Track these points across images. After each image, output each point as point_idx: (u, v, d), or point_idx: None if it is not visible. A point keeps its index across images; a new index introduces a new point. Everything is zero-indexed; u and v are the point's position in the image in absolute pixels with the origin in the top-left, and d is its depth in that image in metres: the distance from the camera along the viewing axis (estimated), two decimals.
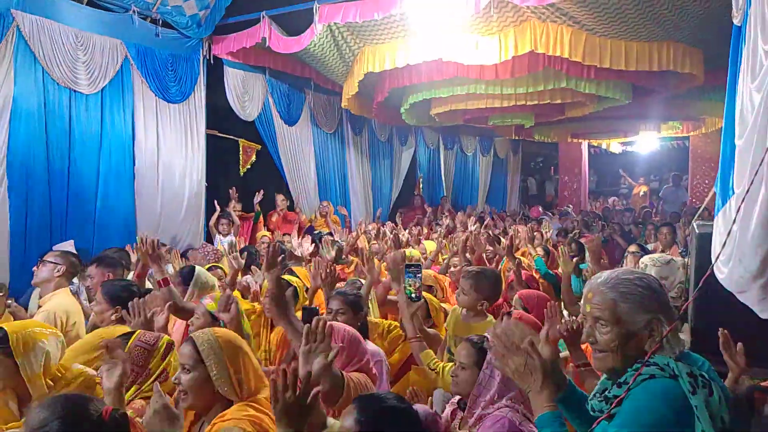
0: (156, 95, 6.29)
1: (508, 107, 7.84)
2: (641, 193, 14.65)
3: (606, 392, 1.49)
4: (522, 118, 9.18)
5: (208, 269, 4.14)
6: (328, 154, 9.25)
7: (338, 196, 9.36)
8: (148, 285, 3.73)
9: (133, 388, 2.18)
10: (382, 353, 2.87)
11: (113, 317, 2.86)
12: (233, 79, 7.27)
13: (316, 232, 7.60)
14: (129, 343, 2.24)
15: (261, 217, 7.72)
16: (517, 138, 13.70)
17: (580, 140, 14.18)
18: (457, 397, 2.36)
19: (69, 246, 5.07)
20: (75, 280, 4.10)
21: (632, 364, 1.44)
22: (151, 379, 2.21)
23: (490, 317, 3.22)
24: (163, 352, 2.26)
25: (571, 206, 13.66)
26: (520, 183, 16.56)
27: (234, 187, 7.38)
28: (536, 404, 1.49)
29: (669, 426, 1.32)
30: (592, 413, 1.51)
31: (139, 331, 2.35)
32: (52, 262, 3.34)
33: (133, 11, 5.99)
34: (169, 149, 6.48)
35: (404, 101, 7.98)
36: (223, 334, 2.00)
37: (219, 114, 7.28)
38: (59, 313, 3.04)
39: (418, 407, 1.76)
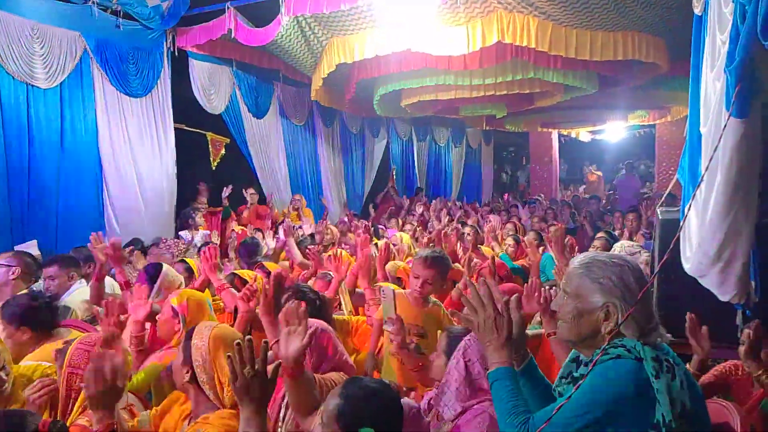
0: (117, 89, 6.11)
1: (478, 98, 7.87)
2: (594, 178, 15.08)
3: (572, 373, 1.54)
4: (493, 109, 9.24)
5: (177, 263, 4.07)
6: (299, 146, 9.15)
7: (311, 190, 9.29)
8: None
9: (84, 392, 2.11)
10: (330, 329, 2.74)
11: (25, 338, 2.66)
12: (199, 71, 7.12)
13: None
14: (70, 349, 2.17)
15: (232, 213, 7.61)
16: (488, 128, 13.81)
17: (550, 129, 14.37)
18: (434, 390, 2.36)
19: (32, 246, 4.91)
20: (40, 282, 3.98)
21: (585, 340, 1.50)
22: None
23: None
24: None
25: (542, 195, 13.82)
26: (494, 173, 16.72)
27: (202, 182, 7.26)
28: (493, 358, 1.53)
29: (627, 404, 1.35)
30: (559, 398, 1.53)
31: (80, 335, 2.28)
32: (5, 265, 3.16)
33: (93, 2, 5.80)
34: (136, 144, 6.32)
35: (375, 92, 7.94)
36: (218, 334, 1.93)
37: (186, 107, 7.13)
38: None
39: (404, 400, 1.75)
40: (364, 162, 11.02)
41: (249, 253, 5.09)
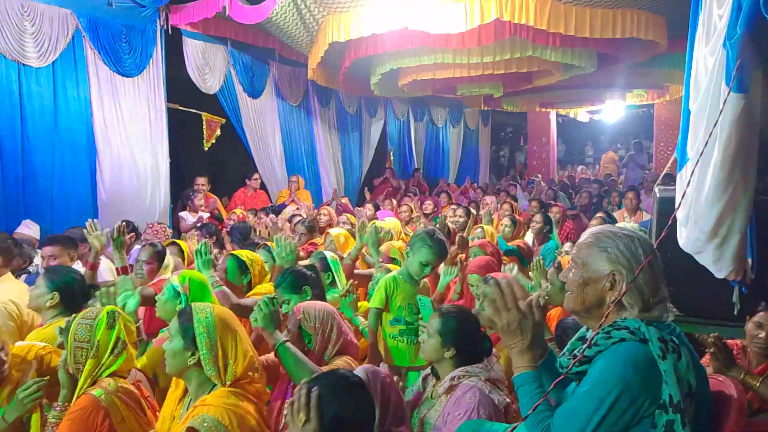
0: (110, 68, 6.03)
1: (476, 77, 7.79)
2: (611, 159, 15.01)
3: (575, 351, 1.53)
4: (490, 88, 9.16)
5: (168, 245, 4.07)
6: (295, 127, 9.07)
7: (307, 170, 9.24)
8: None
9: (89, 362, 2.15)
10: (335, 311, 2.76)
11: (48, 303, 2.75)
12: (193, 50, 7.02)
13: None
14: (73, 324, 2.21)
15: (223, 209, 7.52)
16: (486, 108, 13.72)
17: (548, 109, 14.29)
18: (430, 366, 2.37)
19: (33, 227, 4.91)
20: (36, 262, 3.98)
21: (590, 310, 1.49)
22: (107, 351, 2.18)
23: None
24: (108, 322, 2.20)
25: (540, 176, 13.81)
26: (492, 154, 16.66)
27: (200, 177, 7.15)
28: (518, 363, 1.52)
29: (634, 389, 1.35)
30: (560, 369, 1.54)
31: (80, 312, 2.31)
32: None
33: None
34: (129, 124, 6.25)
35: (372, 72, 7.85)
36: (220, 313, 1.96)
37: (180, 87, 7.04)
38: (9, 307, 2.91)
39: (359, 368, 1.73)
40: (361, 142, 10.95)
41: (243, 236, 5.15)
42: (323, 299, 2.87)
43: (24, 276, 3.72)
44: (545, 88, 10.13)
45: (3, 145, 5.11)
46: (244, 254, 3.53)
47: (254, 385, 1.92)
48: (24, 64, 5.27)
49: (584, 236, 1.57)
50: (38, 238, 4.65)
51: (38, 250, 4.08)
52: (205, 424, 1.72)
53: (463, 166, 14.56)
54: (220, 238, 5.53)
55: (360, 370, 1.65)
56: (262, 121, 8.31)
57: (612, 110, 14.74)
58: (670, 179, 4.66)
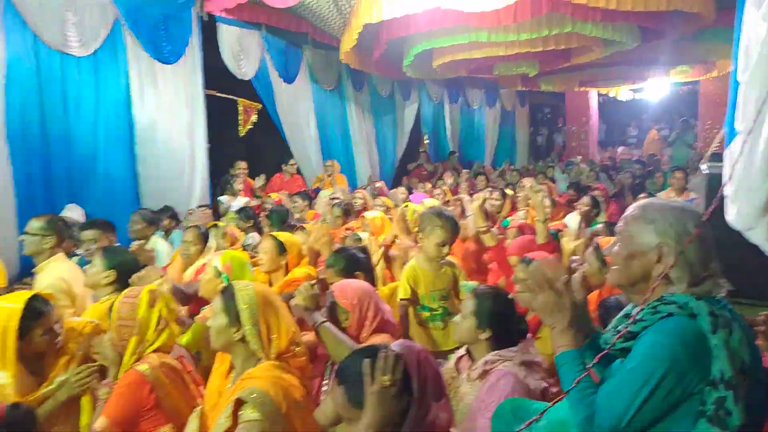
0: (149, 55, 6.14)
1: (512, 55, 7.62)
2: (655, 137, 14.51)
3: (620, 327, 1.48)
4: (527, 67, 8.95)
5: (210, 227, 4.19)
6: (329, 111, 9.08)
7: (341, 155, 9.26)
8: None
9: (134, 339, 2.22)
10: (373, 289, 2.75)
11: (105, 281, 2.87)
12: (228, 36, 7.08)
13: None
14: (116, 302, 2.29)
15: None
16: (523, 89, 13.42)
17: (587, 88, 13.87)
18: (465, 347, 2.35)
19: (77, 211, 5.11)
20: (80, 250, 4.14)
21: (636, 284, 1.44)
22: (151, 329, 2.25)
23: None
24: (149, 301, 2.27)
25: (579, 157, 13.47)
26: (530, 136, 16.32)
27: (240, 162, 7.23)
28: (558, 342, 1.49)
29: (682, 365, 1.30)
30: (604, 346, 1.50)
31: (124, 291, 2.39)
32: (38, 234, 3.25)
33: None
34: (168, 111, 6.37)
35: (406, 53, 7.77)
36: (262, 290, 2.01)
37: (216, 73, 7.13)
38: (61, 284, 3.04)
39: (394, 344, 1.72)
40: (395, 126, 10.89)
41: (280, 219, 5.22)
42: (373, 283, 2.89)
43: (75, 258, 3.86)
44: (585, 66, 9.82)
45: (49, 132, 5.28)
46: (283, 236, 3.58)
47: (297, 359, 1.96)
48: (67, 54, 5.41)
49: (630, 209, 1.52)
50: (83, 221, 4.83)
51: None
52: (253, 396, 1.75)
53: (500, 148, 14.33)
54: (257, 221, 5.63)
55: (395, 345, 1.64)
56: (297, 106, 8.35)
57: (655, 88, 14.19)
58: (717, 158, 4.49)
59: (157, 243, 4.68)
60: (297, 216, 5.94)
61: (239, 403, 1.76)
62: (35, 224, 3.27)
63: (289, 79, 8.14)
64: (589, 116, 15.13)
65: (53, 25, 5.25)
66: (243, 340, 1.92)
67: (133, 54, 6.00)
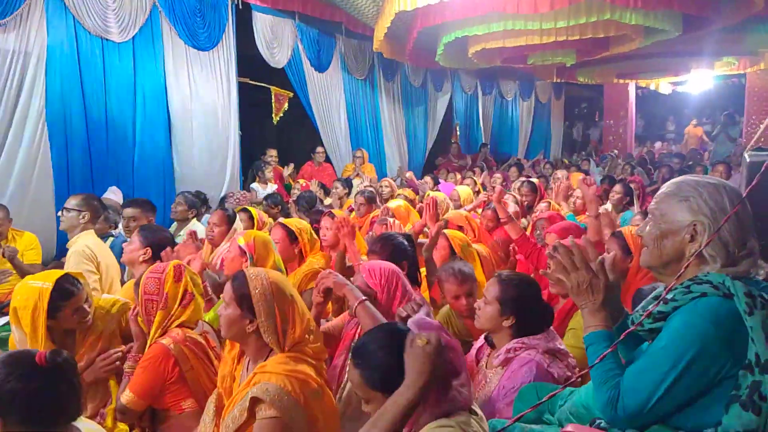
0: (185, 42, 6.24)
1: (548, 44, 7.44)
2: (697, 132, 14.00)
3: (650, 309, 1.42)
4: (563, 56, 8.73)
5: (239, 211, 4.25)
6: (360, 101, 9.08)
7: (371, 144, 9.25)
8: None
9: (159, 314, 2.26)
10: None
11: (141, 258, 2.94)
12: (262, 24, 7.14)
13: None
14: (143, 278, 2.33)
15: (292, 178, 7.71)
16: (559, 81, 13.15)
17: (626, 80, 13.49)
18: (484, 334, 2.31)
19: (116, 192, 5.25)
20: (115, 231, 4.25)
21: (668, 265, 1.39)
22: (176, 303, 2.28)
23: None
24: (174, 276, 2.30)
25: (616, 151, 13.14)
26: (565, 129, 15.99)
27: (270, 149, 7.28)
28: (589, 323, 1.46)
29: (715, 347, 1.25)
30: (630, 325, 1.46)
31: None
32: (75, 210, 3.38)
33: None
34: (202, 97, 6.47)
35: (439, 42, 7.69)
36: (275, 279, 1.89)
37: (249, 61, 7.21)
38: (87, 250, 3.18)
39: (410, 321, 1.69)
40: (426, 117, 10.82)
41: (309, 204, 5.26)
42: (417, 272, 2.85)
43: (110, 240, 3.97)
44: (624, 56, 9.54)
45: (90, 116, 5.43)
46: (293, 223, 3.54)
47: (311, 346, 1.89)
48: (107, 39, 5.54)
49: (664, 187, 1.46)
50: (122, 203, 4.96)
51: (118, 220, 4.41)
52: (269, 394, 1.70)
53: (534, 141, 14.09)
54: (285, 207, 5.68)
55: (411, 322, 1.62)
56: (328, 95, 8.37)
57: (698, 81, 13.70)
58: (761, 150, 4.29)
59: (196, 226, 4.79)
60: (336, 202, 6.00)
61: (255, 401, 1.71)
62: (72, 201, 3.41)
63: (321, 67, 8.16)
64: (627, 110, 14.73)
65: (94, 11, 5.38)
66: (256, 332, 1.84)
67: (169, 41, 6.11)
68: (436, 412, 1.46)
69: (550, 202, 5.22)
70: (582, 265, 1.45)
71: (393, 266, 2.48)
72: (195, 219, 4.74)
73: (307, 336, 1.90)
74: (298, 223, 3.59)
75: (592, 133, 17.45)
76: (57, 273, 2.37)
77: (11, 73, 4.87)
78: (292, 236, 3.43)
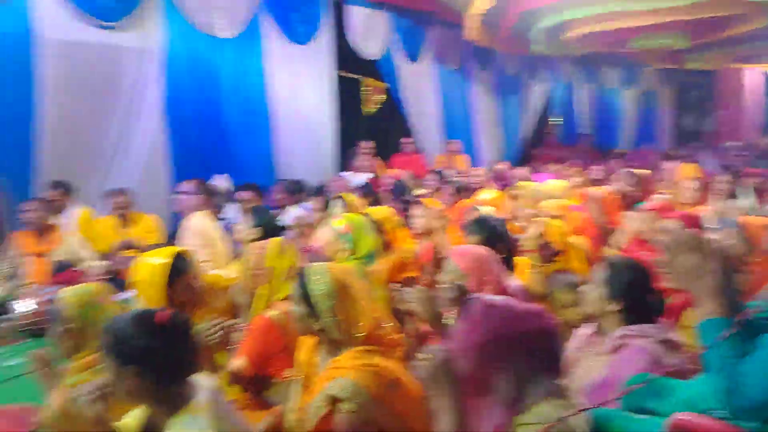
0: (285, 36, 6.53)
1: (654, 26, 6.95)
2: None
3: None
4: (674, 39, 8.11)
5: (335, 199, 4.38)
6: (452, 91, 9.00)
7: (463, 135, 9.15)
8: None
9: (263, 287, 2.40)
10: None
11: (251, 237, 3.13)
12: (355, 17, 7.28)
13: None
14: (248, 253, 2.53)
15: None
16: (667, 67, 12.24)
17: (744, 65, 12.30)
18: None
19: (224, 181, 5.63)
20: (227, 212, 4.60)
21: None
22: (279, 278, 2.41)
23: None
24: (276, 252, 2.45)
25: (733, 143, 12.04)
26: (675, 119, 14.90)
27: (363, 142, 7.44)
28: (702, 310, 1.35)
29: None
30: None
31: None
32: (189, 193, 3.74)
33: None
34: (300, 89, 6.75)
35: (536, 28, 7.44)
36: (337, 276, 1.88)
37: (342, 53, 7.39)
38: (199, 230, 3.48)
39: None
40: (521, 107, 10.52)
41: (400, 192, 5.35)
42: (512, 259, 2.83)
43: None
44: (741, 38, 8.69)
45: (200, 109, 5.86)
46: (375, 212, 3.51)
47: (385, 337, 1.90)
48: (215, 36, 5.92)
49: None
50: (231, 191, 5.33)
51: (225, 205, 4.79)
52: (346, 391, 1.71)
53: (640, 133, 13.22)
54: (377, 197, 5.77)
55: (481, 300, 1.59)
56: (420, 86, 8.38)
57: None
58: None
59: (295, 212, 5.06)
60: (427, 193, 6.02)
61: (331, 397, 1.72)
62: (186, 185, 3.74)
63: (413, 58, 8.18)
64: (744, 98, 13.44)
65: (203, 9, 5.77)
66: (323, 330, 1.85)
67: (270, 35, 6.42)
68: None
69: (662, 194, 4.90)
70: (692, 247, 1.35)
71: (485, 250, 2.44)
72: (294, 205, 4.98)
73: (378, 328, 1.90)
74: (380, 212, 3.57)
75: (707, 122, 16.09)
76: (172, 250, 2.56)
77: (131, 69, 5.35)
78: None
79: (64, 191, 4.68)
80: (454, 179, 5.78)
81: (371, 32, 7.48)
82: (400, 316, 2.58)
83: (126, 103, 5.34)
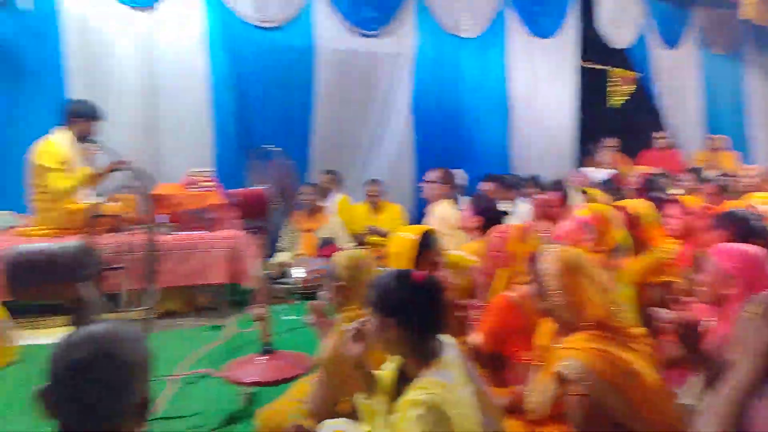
0: (529, 31, 6.52)
1: None
2: None
3: None
4: None
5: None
6: (719, 79, 7.88)
7: (732, 129, 7.90)
8: None
9: (503, 270, 2.48)
10: None
11: (474, 225, 3.25)
12: (607, 4, 6.87)
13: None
14: (491, 236, 2.61)
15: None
16: None
17: None
18: None
19: (462, 176, 5.95)
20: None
21: None
22: (518, 261, 2.42)
23: None
24: (518, 237, 2.50)
25: None
26: None
27: (606, 138, 7.06)
28: None
29: None
30: None
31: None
32: (435, 182, 4.06)
33: None
34: (541, 83, 6.67)
35: None
36: (567, 256, 1.90)
37: (588, 43, 7.05)
38: (443, 214, 3.76)
39: None
40: None
41: (652, 189, 4.92)
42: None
43: None
44: None
45: (443, 107, 6.17)
46: (632, 206, 3.28)
47: (623, 328, 1.81)
48: (460, 36, 6.19)
49: None
50: (465, 184, 5.57)
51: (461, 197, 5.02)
52: (574, 371, 1.69)
53: None
54: (622, 193, 5.40)
55: None
56: (679, 75, 7.56)
57: None
58: None
59: (519, 205, 5.07)
60: (683, 193, 5.47)
61: (561, 376, 1.71)
62: (432, 174, 4.04)
63: (672, 44, 7.40)
64: None
65: (450, 9, 6.08)
66: (551, 310, 1.87)
67: (513, 30, 6.47)
68: None
69: None
70: None
71: (756, 249, 2.13)
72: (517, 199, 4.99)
73: (612, 319, 1.82)
74: (637, 206, 3.33)
75: None
76: (422, 228, 2.82)
77: (386, 73, 5.95)
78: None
79: (334, 178, 5.45)
80: (718, 178, 5.06)
81: (623, 19, 7.01)
82: (650, 321, 2.41)
83: (381, 104, 5.97)
